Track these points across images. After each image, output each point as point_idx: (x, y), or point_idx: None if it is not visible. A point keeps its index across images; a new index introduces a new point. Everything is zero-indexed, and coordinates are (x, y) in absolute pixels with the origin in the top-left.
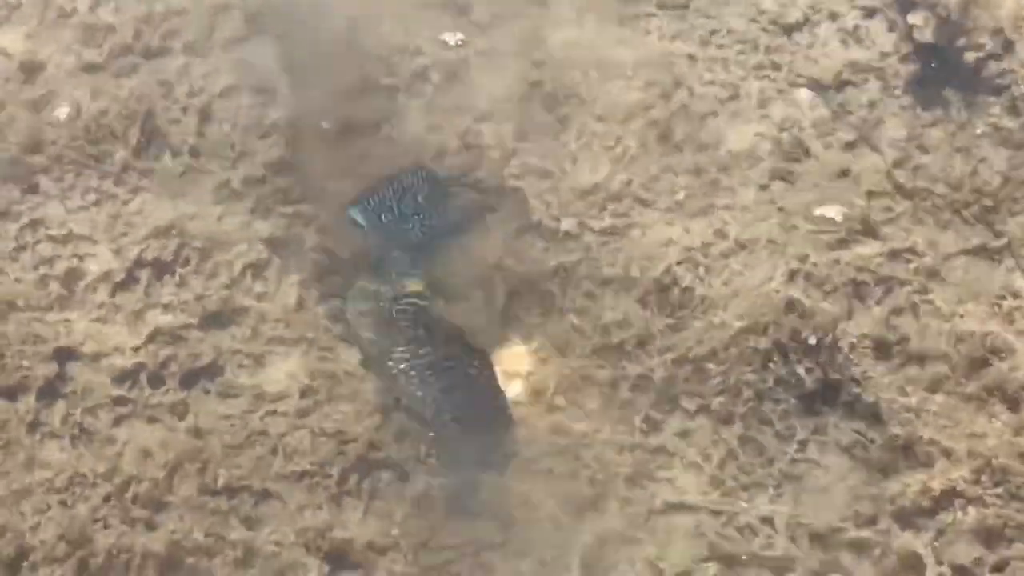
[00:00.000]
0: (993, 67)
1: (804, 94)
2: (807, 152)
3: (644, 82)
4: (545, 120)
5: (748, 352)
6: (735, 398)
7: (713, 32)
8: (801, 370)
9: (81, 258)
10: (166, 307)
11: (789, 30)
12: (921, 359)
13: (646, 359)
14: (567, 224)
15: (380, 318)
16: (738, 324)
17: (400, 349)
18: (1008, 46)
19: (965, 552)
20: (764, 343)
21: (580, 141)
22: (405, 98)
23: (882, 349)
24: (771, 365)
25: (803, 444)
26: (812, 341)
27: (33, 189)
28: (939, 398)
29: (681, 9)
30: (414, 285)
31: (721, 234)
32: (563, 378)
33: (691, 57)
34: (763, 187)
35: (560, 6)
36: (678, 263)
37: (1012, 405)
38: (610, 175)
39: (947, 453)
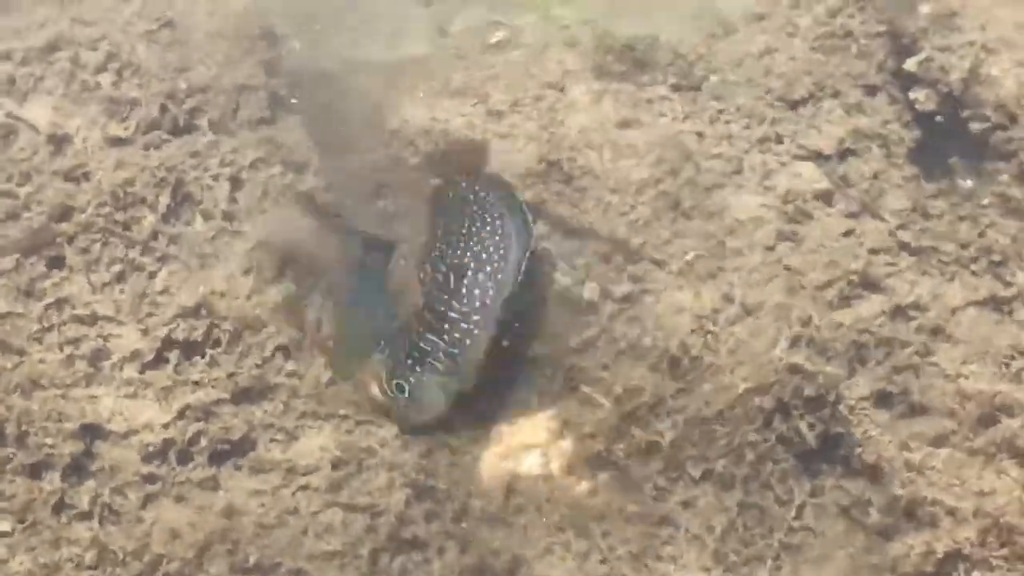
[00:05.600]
0: (1000, 135)
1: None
2: (810, 217)
3: (655, 159)
4: (563, 191)
5: (752, 411)
6: (738, 460)
7: (721, 111)
8: (803, 426)
9: (107, 339)
10: (196, 384)
11: (794, 105)
12: (925, 413)
13: (656, 423)
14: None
15: None
16: (744, 385)
17: None
18: (1013, 118)
19: None
20: (768, 402)
21: (597, 209)
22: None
23: (883, 403)
24: (774, 423)
25: (801, 509)
26: (813, 394)
27: (59, 263)
28: (944, 453)
29: (694, 91)
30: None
31: (728, 298)
32: (578, 449)
33: (700, 134)
34: (769, 248)
35: (577, 91)
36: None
37: (1022, 461)
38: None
39: (952, 512)
